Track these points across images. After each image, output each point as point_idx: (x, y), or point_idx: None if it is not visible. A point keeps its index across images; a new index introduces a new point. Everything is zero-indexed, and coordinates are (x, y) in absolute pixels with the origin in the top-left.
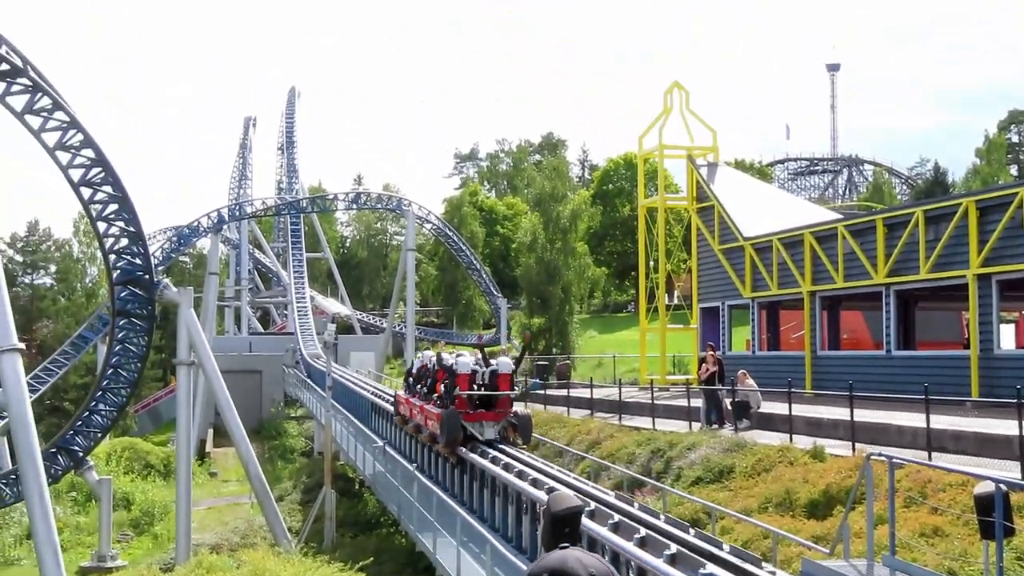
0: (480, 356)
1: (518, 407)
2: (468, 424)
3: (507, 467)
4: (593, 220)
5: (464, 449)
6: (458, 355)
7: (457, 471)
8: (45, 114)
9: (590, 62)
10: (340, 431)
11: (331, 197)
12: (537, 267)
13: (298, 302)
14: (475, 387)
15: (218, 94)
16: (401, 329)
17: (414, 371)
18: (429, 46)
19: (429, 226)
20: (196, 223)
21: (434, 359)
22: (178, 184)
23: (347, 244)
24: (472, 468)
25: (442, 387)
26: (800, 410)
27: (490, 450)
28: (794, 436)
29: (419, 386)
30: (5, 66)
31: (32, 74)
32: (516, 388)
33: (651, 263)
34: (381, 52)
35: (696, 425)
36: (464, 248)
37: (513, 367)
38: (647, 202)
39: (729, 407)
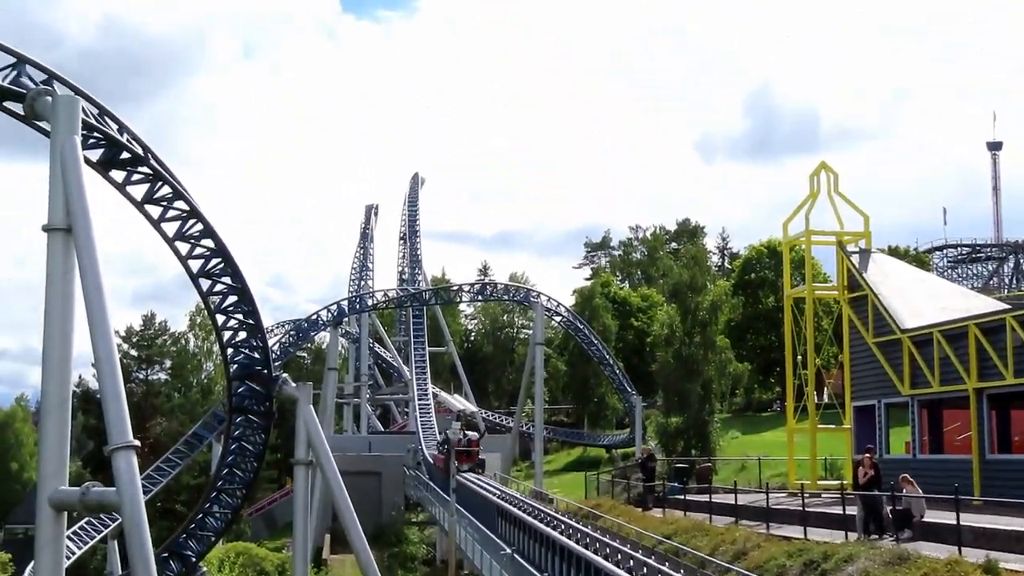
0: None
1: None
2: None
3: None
4: (735, 312)
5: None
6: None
7: None
8: (165, 203)
9: (727, 146)
10: (465, 537)
11: (455, 288)
12: (674, 362)
13: (420, 399)
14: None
15: (340, 182)
16: (529, 429)
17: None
18: (558, 132)
19: (558, 319)
20: (315, 316)
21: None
22: (298, 275)
23: (472, 338)
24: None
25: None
26: (969, 519)
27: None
28: (963, 548)
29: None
30: (126, 155)
31: (153, 162)
32: (481, 448)
33: (798, 358)
34: (507, 138)
35: (852, 535)
36: (596, 342)
37: (478, 436)
38: (793, 292)
39: (889, 515)
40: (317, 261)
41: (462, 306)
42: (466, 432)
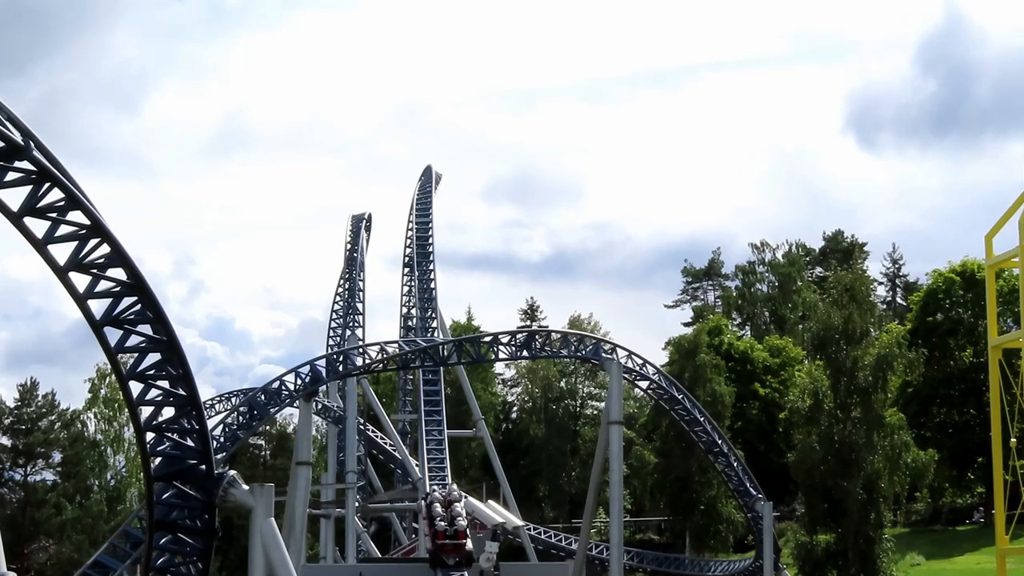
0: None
1: None
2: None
3: None
4: (913, 371)
5: None
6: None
7: None
8: (54, 215)
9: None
10: None
11: (487, 340)
12: (822, 449)
13: None
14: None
15: (314, 181)
16: (602, 552)
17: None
18: (635, 104)
19: (644, 385)
20: (278, 384)
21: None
22: (253, 322)
23: (513, 415)
24: None
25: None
26: None
27: None
28: None
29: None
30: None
31: (36, 155)
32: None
33: (1012, 440)
34: (558, 116)
35: None
36: (701, 419)
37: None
38: (1003, 340)
39: None
40: (280, 300)
41: (498, 366)
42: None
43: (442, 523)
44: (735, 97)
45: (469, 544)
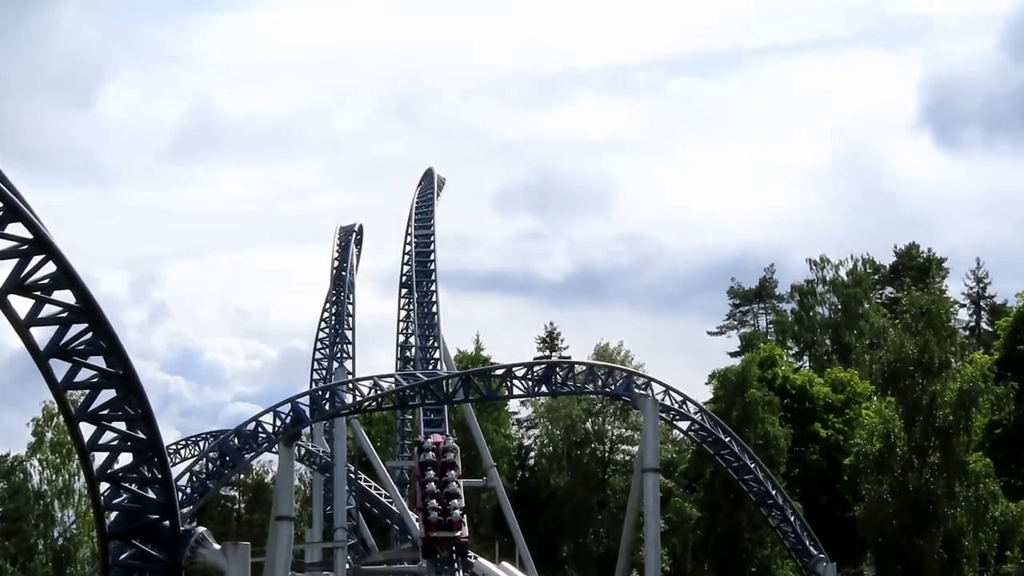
0: None
1: None
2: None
3: None
4: (1001, 409)
5: None
6: None
7: None
8: None
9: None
10: None
11: (500, 372)
12: (894, 501)
13: None
14: None
15: (295, 184)
16: None
17: None
18: (667, 89)
19: (685, 425)
20: (253, 426)
21: None
22: (224, 353)
23: (531, 462)
24: None
25: None
26: None
27: None
28: None
29: None
30: None
31: None
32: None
33: None
34: (577, 109)
35: None
36: (751, 465)
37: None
38: None
39: None
40: (257, 327)
41: (513, 404)
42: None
43: (435, 512)
44: (790, 87)
45: (465, 532)
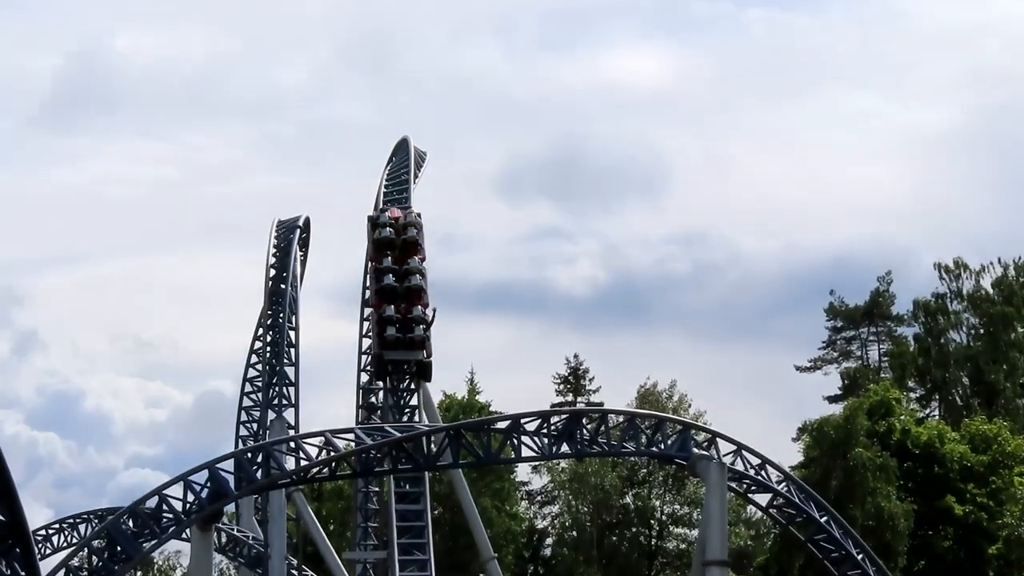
0: None
1: None
2: None
3: None
4: None
5: None
6: None
7: None
8: None
9: None
10: None
11: (504, 425)
12: None
13: None
14: None
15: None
16: None
17: None
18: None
19: (764, 499)
20: (156, 502)
21: None
22: (112, 400)
23: (547, 551)
24: None
25: None
26: None
27: None
28: None
29: None
30: None
31: None
32: None
33: None
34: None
35: None
36: (858, 555)
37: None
38: None
39: None
40: (160, 362)
41: (522, 470)
42: None
43: (392, 327)
44: (910, 23)
45: (430, 351)
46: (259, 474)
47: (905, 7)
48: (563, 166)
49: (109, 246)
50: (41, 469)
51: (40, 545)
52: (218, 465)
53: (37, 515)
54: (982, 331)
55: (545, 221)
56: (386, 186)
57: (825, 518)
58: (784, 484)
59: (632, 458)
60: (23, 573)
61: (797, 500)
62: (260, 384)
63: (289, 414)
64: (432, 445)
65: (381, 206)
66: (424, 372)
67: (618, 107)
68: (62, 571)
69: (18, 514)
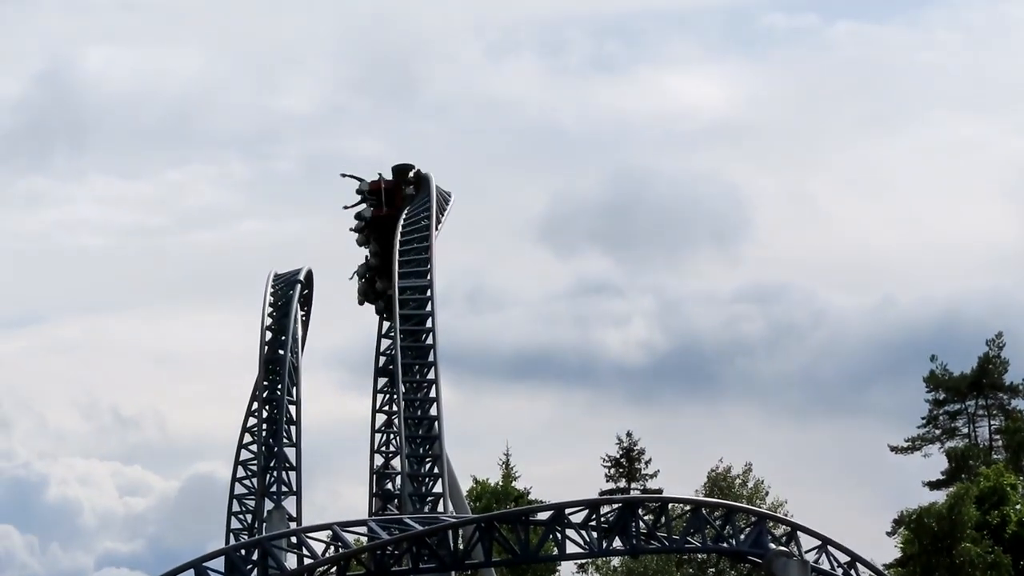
0: None
1: None
2: None
3: None
4: None
5: None
6: None
7: None
8: None
9: None
10: None
11: (545, 516)
12: None
13: None
14: None
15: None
16: None
17: None
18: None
19: None
20: None
21: None
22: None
23: None
24: None
25: None
26: None
27: None
28: None
29: None
30: None
31: None
32: None
33: None
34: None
35: None
36: None
37: None
38: None
39: None
40: (139, 442)
41: (566, 570)
42: None
43: None
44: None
45: None
46: (255, 574)
47: (1020, 15)
48: (617, 209)
49: (74, 303)
50: None
51: None
52: (206, 564)
53: None
54: None
55: (593, 274)
56: (403, 233)
57: None
58: None
59: (698, 556)
60: None
61: None
62: (255, 468)
63: (290, 503)
64: (460, 540)
65: (397, 259)
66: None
67: (682, 139)
68: None
69: None
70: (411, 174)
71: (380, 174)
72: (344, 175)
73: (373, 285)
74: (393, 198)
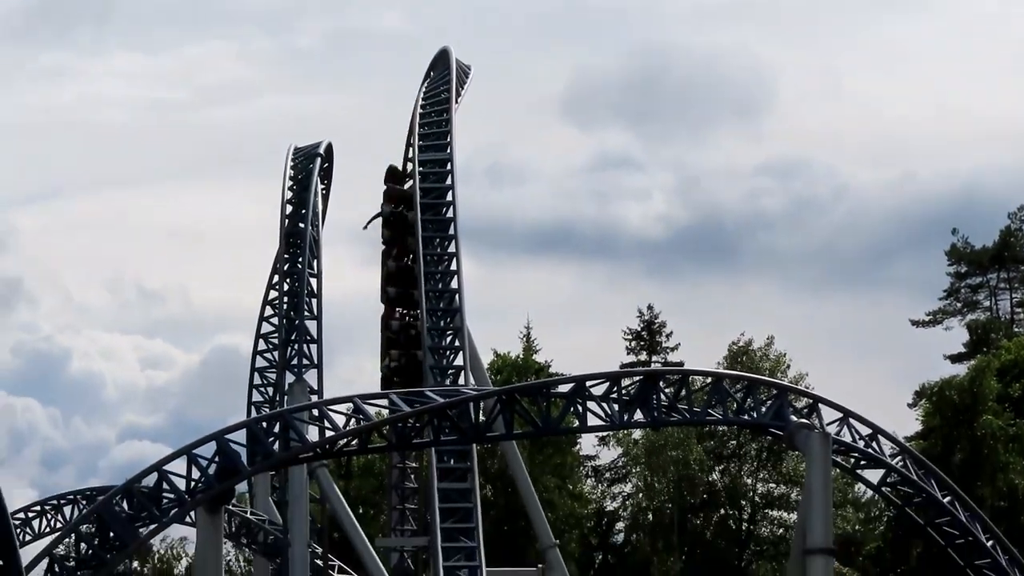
0: None
1: None
2: None
3: None
4: None
5: None
6: None
7: None
8: None
9: None
10: None
11: (567, 388)
12: None
13: None
14: None
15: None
16: None
17: None
18: None
19: (876, 476)
20: (154, 480)
21: None
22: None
23: (618, 536)
24: None
25: None
26: None
27: None
28: None
29: None
30: None
31: None
32: None
33: None
34: None
35: None
36: (987, 542)
37: None
38: None
39: None
40: (160, 315)
41: (587, 443)
42: None
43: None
44: None
45: None
46: (276, 447)
47: None
48: (640, 83)
49: (95, 180)
50: (20, 443)
51: (19, 530)
52: (228, 436)
53: (16, 496)
54: None
55: (613, 148)
56: (422, 106)
57: (948, 498)
58: (899, 458)
59: (719, 428)
60: (2, 562)
61: (915, 477)
62: (276, 341)
63: (311, 376)
64: (481, 412)
65: (417, 131)
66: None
67: (709, 12)
68: (45, 560)
69: None
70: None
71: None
72: (366, 227)
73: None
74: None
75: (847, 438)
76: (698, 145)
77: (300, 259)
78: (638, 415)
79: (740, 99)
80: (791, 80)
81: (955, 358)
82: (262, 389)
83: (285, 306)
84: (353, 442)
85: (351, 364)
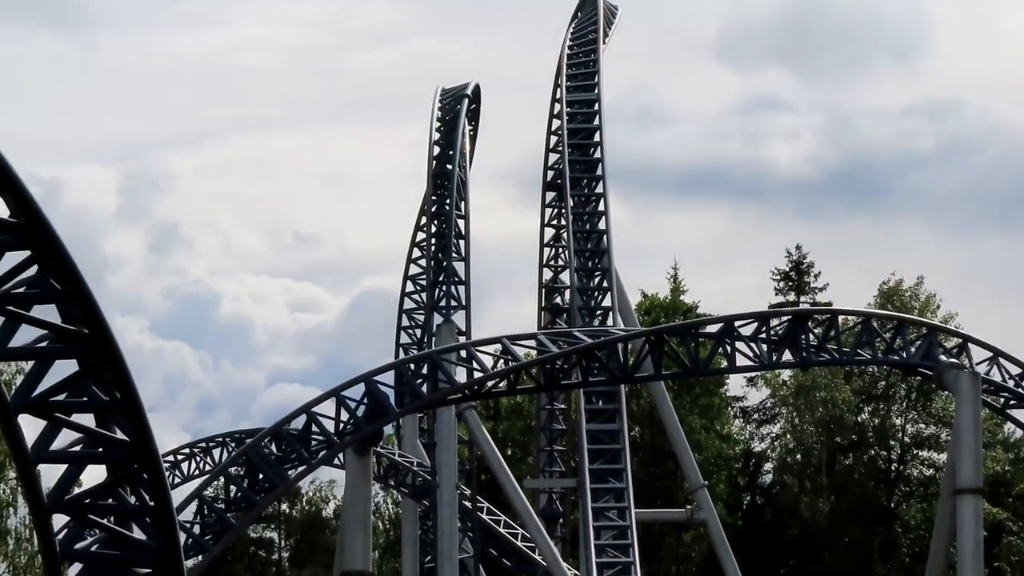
0: None
1: None
2: None
3: None
4: None
5: None
6: None
7: None
8: None
9: None
10: None
11: (715, 329)
12: None
13: None
14: None
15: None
16: None
17: None
18: None
19: None
20: (304, 422)
21: None
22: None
23: (767, 479)
24: None
25: None
26: None
27: None
28: None
29: None
30: None
31: None
32: None
33: None
34: None
35: None
36: None
37: None
38: None
39: None
40: (309, 260)
41: (735, 383)
42: None
43: None
44: None
45: None
46: (424, 388)
47: None
48: (794, 23)
49: (243, 125)
50: (172, 386)
51: (168, 473)
52: (376, 378)
53: (167, 438)
54: None
55: (765, 89)
56: (570, 47)
57: None
58: None
59: (868, 368)
60: (152, 503)
61: None
62: (424, 283)
63: (459, 318)
64: (629, 353)
65: (565, 72)
66: None
67: None
68: (195, 503)
69: (146, 435)
70: None
71: None
72: None
73: None
74: None
75: (997, 377)
76: (850, 86)
77: (448, 200)
78: (787, 355)
79: (894, 39)
80: (949, 21)
81: None
82: (410, 331)
83: (433, 248)
84: (501, 383)
85: (499, 304)
